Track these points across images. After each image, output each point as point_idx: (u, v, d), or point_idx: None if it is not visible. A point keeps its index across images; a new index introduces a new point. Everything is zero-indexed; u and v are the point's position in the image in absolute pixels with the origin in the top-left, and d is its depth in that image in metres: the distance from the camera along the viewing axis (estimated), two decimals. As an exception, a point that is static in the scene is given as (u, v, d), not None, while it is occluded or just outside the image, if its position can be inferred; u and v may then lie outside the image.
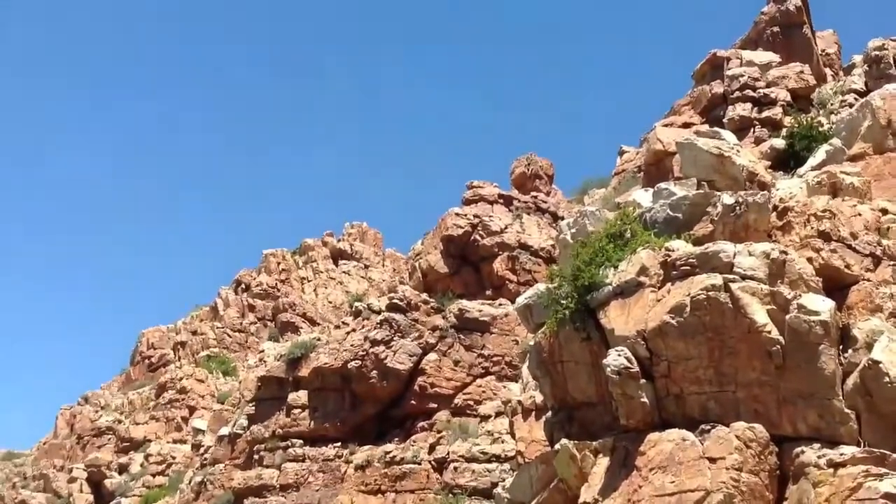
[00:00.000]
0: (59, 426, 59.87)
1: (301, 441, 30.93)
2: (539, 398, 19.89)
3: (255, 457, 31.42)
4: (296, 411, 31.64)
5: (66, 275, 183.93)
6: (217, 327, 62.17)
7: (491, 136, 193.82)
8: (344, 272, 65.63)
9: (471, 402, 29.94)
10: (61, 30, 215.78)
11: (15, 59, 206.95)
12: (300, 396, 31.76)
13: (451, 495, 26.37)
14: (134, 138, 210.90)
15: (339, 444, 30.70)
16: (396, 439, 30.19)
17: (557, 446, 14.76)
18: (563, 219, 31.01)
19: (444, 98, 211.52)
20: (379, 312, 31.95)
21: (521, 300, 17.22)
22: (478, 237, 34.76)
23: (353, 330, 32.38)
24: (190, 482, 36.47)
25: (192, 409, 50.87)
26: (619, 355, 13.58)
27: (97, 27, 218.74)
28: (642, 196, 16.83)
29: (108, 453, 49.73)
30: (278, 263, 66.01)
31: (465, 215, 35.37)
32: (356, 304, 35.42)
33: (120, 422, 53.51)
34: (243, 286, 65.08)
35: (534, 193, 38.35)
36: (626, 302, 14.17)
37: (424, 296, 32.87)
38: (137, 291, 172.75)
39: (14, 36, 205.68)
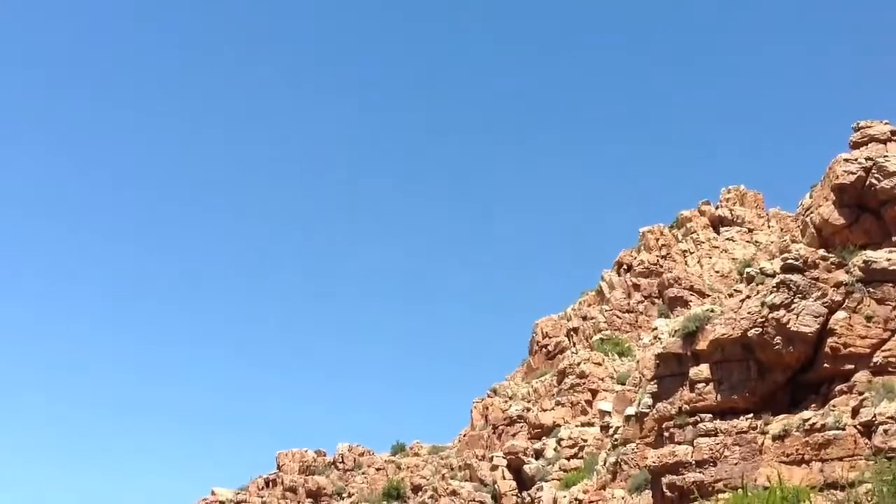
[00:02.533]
0: (475, 418, 63.86)
1: (710, 415, 30.28)
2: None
3: (666, 434, 31.25)
4: (700, 385, 31.05)
5: (465, 275, 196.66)
6: (605, 310, 62.91)
7: (869, 72, 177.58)
8: (727, 239, 63.45)
9: (892, 360, 27.49)
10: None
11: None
12: (702, 370, 31.15)
13: (885, 460, 24.34)
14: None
15: (750, 415, 29.64)
16: (813, 405, 28.53)
17: None
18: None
19: (812, 42, 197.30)
20: (773, 275, 30.52)
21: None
22: (874, 181, 31.82)
23: (748, 297, 31.18)
24: (605, 463, 37.24)
25: (594, 392, 51.90)
26: None
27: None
28: None
29: (523, 440, 52.16)
30: (657, 239, 65.40)
31: (856, 159, 32.51)
32: (747, 269, 34.12)
33: (528, 409, 55.99)
34: (625, 267, 65.29)
35: (933, 122, 34.38)
36: None
37: (821, 252, 30.80)
38: (530, 283, 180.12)
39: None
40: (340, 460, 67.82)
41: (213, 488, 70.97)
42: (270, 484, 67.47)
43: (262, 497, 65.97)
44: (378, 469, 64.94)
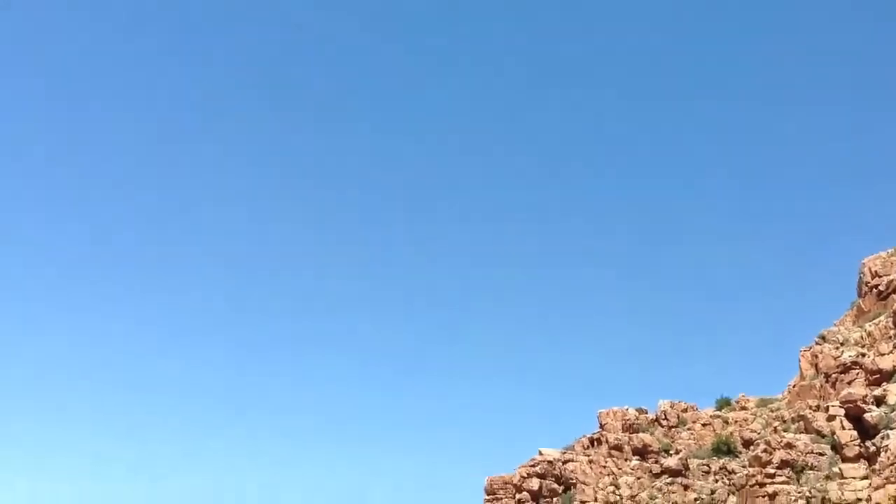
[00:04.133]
0: (803, 367, 60.70)
1: None
2: None
3: None
4: None
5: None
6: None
7: None
8: None
9: None
10: None
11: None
12: None
13: None
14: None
15: None
16: None
17: None
18: None
19: None
20: None
21: None
22: None
23: None
24: (962, 407, 34.02)
25: (939, 333, 47.56)
26: None
27: None
28: None
29: (860, 387, 48.90)
30: None
31: None
32: None
33: (863, 355, 52.33)
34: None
35: None
36: None
37: None
38: (852, 220, 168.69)
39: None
40: (663, 417, 67.08)
41: (539, 449, 72.76)
42: (595, 443, 68.07)
43: (588, 455, 66.68)
44: (704, 424, 63.57)
